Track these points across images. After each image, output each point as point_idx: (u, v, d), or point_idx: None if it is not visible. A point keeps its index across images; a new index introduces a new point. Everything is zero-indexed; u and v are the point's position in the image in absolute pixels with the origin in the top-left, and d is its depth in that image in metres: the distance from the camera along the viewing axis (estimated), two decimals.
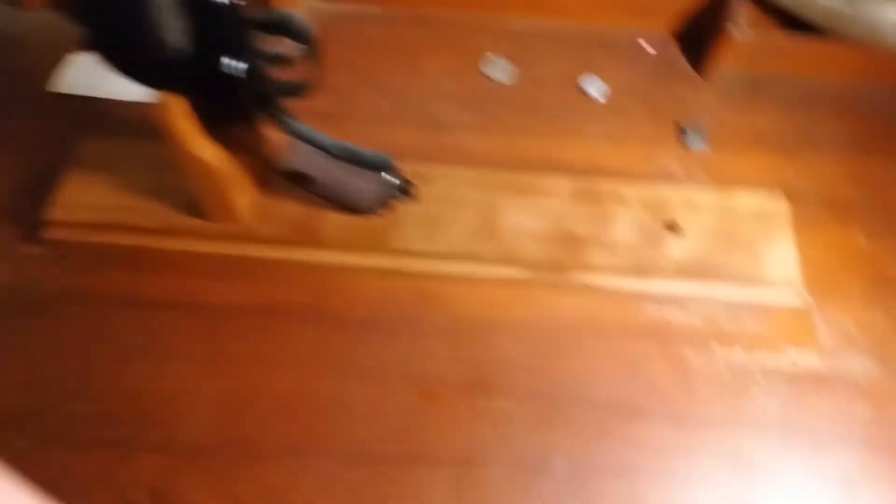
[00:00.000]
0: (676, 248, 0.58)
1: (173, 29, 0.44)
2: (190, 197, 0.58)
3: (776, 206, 0.60)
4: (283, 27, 0.47)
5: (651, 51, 0.74)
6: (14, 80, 0.71)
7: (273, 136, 0.52)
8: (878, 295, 0.57)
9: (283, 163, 0.53)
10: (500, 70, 0.73)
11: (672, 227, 0.58)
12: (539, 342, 0.56)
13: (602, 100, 0.71)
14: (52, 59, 0.72)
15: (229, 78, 0.47)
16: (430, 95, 0.70)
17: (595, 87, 0.71)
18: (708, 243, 0.58)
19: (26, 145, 0.66)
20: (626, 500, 0.49)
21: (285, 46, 0.48)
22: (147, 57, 0.45)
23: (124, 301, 0.58)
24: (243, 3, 0.45)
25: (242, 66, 0.46)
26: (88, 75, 0.71)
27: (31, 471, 0.50)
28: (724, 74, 0.71)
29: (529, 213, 0.59)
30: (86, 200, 0.60)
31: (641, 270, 0.57)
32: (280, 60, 0.48)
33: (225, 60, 0.46)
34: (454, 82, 0.72)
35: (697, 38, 0.73)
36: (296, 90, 0.49)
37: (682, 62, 0.73)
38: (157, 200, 0.60)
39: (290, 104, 0.54)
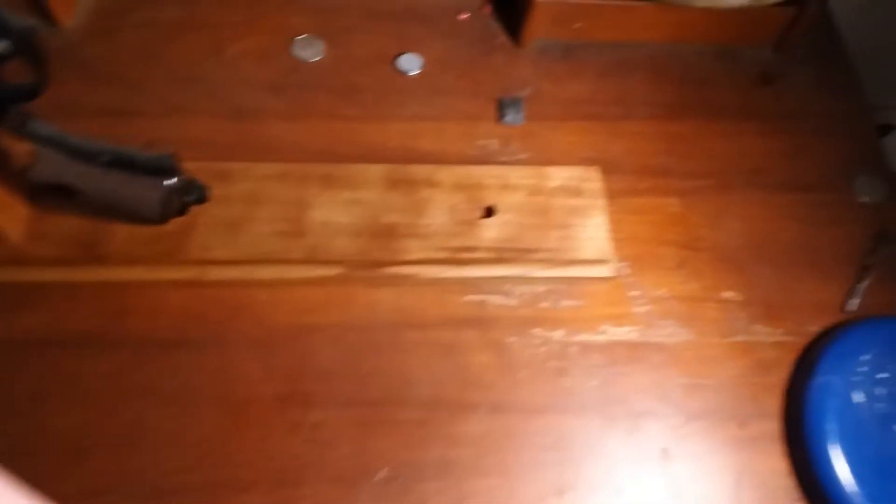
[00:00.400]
0: (492, 232, 0.54)
1: None
2: None
3: (589, 180, 0.58)
4: None
5: (465, 16, 0.70)
6: None
7: (13, 146, 0.43)
8: (690, 261, 0.57)
9: (36, 175, 0.45)
10: (311, 50, 0.66)
11: (487, 211, 0.55)
12: (357, 344, 0.51)
13: (419, 77, 0.66)
14: None
15: None
16: (234, 82, 0.62)
17: (412, 64, 0.66)
18: (522, 223, 0.55)
19: None
20: (449, 500, 0.46)
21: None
22: None
23: None
24: None
25: None
26: None
27: None
28: (539, 43, 0.68)
29: (340, 207, 0.54)
30: None
31: (456, 258, 0.53)
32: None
33: None
34: (261, 66, 0.64)
35: (511, 6, 0.70)
36: (24, 93, 0.41)
37: (499, 32, 0.70)
38: None
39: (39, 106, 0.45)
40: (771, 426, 0.51)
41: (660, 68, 0.68)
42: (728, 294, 0.56)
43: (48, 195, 0.48)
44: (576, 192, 0.57)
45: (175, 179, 0.49)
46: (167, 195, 0.49)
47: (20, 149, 0.44)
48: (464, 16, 0.71)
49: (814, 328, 0.55)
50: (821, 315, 0.55)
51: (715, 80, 0.67)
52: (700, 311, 0.55)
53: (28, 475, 0.47)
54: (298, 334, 0.51)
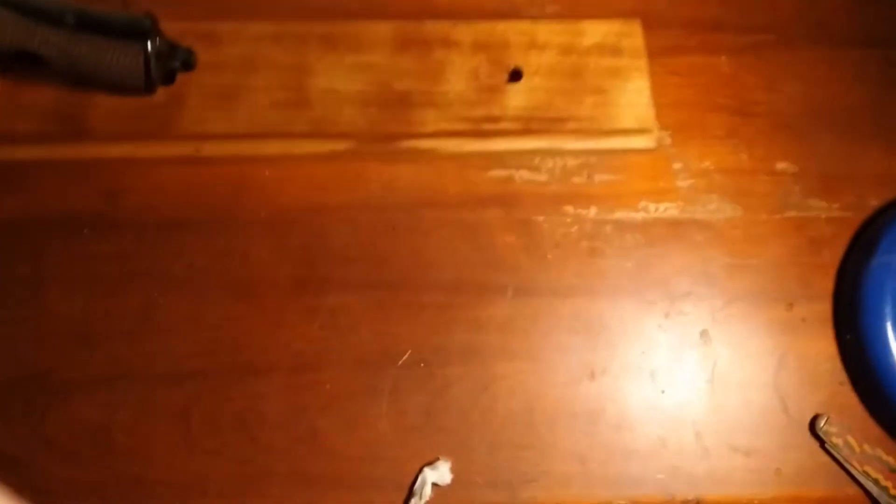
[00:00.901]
0: (518, 99, 0.47)
1: None
2: None
3: (630, 37, 0.49)
4: None
5: None
6: None
7: None
8: (740, 128, 0.49)
9: None
10: None
11: (513, 74, 0.47)
12: (372, 225, 0.45)
13: None
14: None
15: None
16: None
17: None
18: (553, 89, 0.47)
19: None
20: (478, 385, 0.43)
21: None
22: None
23: None
24: None
25: None
26: None
27: None
28: None
29: (346, 72, 0.46)
30: None
31: (481, 129, 0.46)
32: None
33: None
34: None
35: None
36: None
37: None
38: None
39: None
40: (820, 307, 0.45)
41: None
42: (782, 165, 0.48)
43: (13, 65, 0.41)
44: (613, 50, 0.48)
45: (156, 42, 0.41)
46: (148, 61, 0.42)
47: None
48: None
49: (874, 202, 0.48)
50: (883, 189, 0.48)
51: None
52: (749, 184, 0.47)
53: (36, 363, 0.44)
54: (309, 214, 0.46)
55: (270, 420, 0.42)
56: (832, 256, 0.46)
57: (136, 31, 0.41)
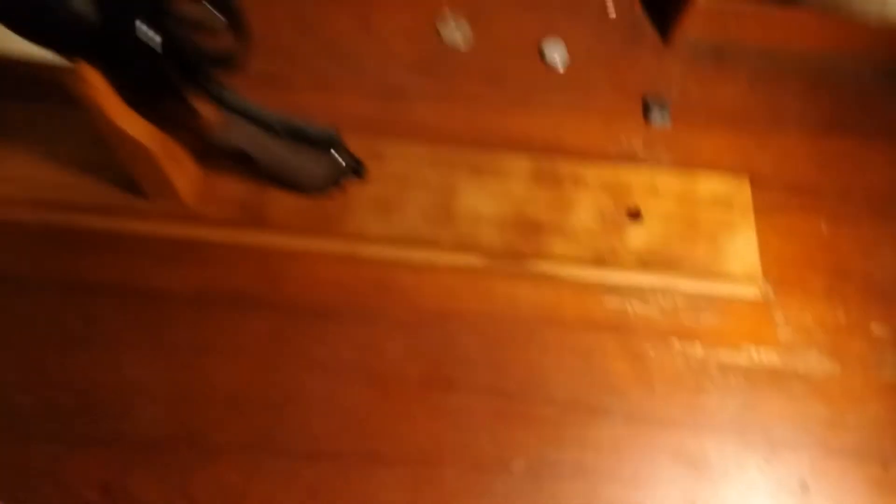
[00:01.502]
0: (637, 237, 0.50)
1: None
2: (127, 172, 0.48)
3: (740, 193, 0.52)
4: None
5: (612, 14, 0.64)
6: None
7: (205, 110, 0.41)
8: (838, 289, 0.51)
9: (218, 140, 0.43)
10: (457, 31, 0.62)
11: (633, 214, 0.51)
12: (497, 335, 0.48)
13: (563, 67, 0.61)
14: None
15: (143, 47, 0.36)
16: (382, 57, 0.59)
17: (557, 53, 0.61)
18: (669, 232, 0.50)
19: None
20: (583, 501, 0.44)
21: (207, 12, 0.37)
22: (49, 18, 0.34)
23: (62, 285, 0.48)
24: None
25: (157, 38, 0.35)
26: None
27: None
28: (689, 42, 0.62)
29: (487, 197, 0.51)
30: (11, 173, 0.49)
31: (601, 260, 0.50)
32: (203, 26, 0.37)
33: (139, 24, 0.35)
34: (409, 43, 0.60)
35: (663, 2, 0.63)
36: (223, 61, 0.39)
37: (647, 27, 0.63)
38: (92, 175, 0.49)
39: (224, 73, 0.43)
40: None
41: (815, 80, 0.61)
42: (877, 329, 0.50)
43: (223, 158, 0.46)
44: (726, 203, 0.52)
45: (340, 153, 0.47)
46: (332, 168, 0.47)
47: (209, 113, 0.42)
48: (611, 8, 0.65)
49: None
50: None
51: (877, 97, 0.59)
52: (846, 343, 0.49)
53: (189, 423, 0.47)
54: (441, 318, 0.49)
55: None
56: None
57: (326, 142, 0.46)
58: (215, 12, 0.36)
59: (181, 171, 0.48)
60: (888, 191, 0.55)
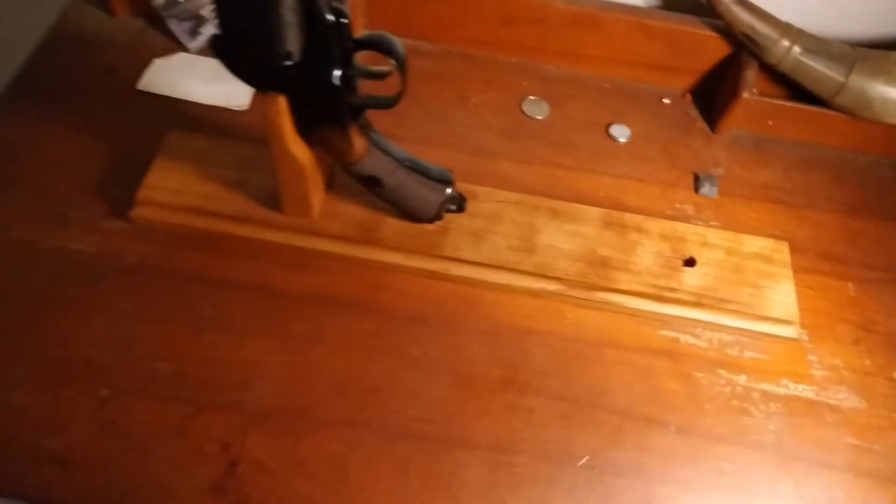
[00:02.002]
0: (692, 279, 0.58)
1: (293, 41, 0.45)
2: (266, 191, 0.58)
3: (780, 252, 0.61)
4: (379, 45, 0.48)
5: (667, 101, 0.76)
6: (106, 79, 0.70)
7: (357, 141, 0.52)
8: (864, 340, 0.59)
9: (360, 166, 0.54)
10: (537, 108, 0.74)
11: (688, 261, 0.60)
12: (566, 351, 0.56)
13: (625, 143, 0.72)
14: (140, 61, 0.71)
15: (330, 85, 0.47)
16: (474, 125, 0.71)
17: (621, 132, 0.72)
18: (719, 277, 0.59)
19: (118, 136, 0.65)
20: (638, 497, 0.50)
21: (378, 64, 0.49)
22: (266, 63, 0.46)
23: (199, 278, 0.58)
24: (347, 21, 0.45)
25: (339, 73, 0.47)
26: (173, 77, 0.70)
27: (113, 416, 0.50)
28: (733, 131, 0.73)
29: (563, 236, 0.60)
30: (170, 185, 0.60)
31: (659, 296, 0.58)
32: (373, 75, 0.49)
33: (332, 70, 0.47)
34: (496, 115, 0.72)
35: (712, 98, 0.75)
36: (387, 102, 0.50)
37: (698, 117, 0.75)
38: (235, 191, 0.60)
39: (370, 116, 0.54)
40: None
41: (841, 171, 0.71)
42: None
43: (357, 183, 0.57)
44: (767, 259, 0.60)
45: (452, 190, 0.57)
46: (441, 201, 0.57)
47: (359, 144, 0.53)
48: (666, 100, 0.77)
49: None
50: None
51: (894, 189, 0.69)
52: (872, 384, 0.56)
53: (300, 400, 0.55)
54: (517, 333, 0.57)
55: (470, 486, 0.50)
56: None
57: (442, 179, 0.56)
58: (388, 58, 0.47)
59: (318, 191, 0.58)
60: None
